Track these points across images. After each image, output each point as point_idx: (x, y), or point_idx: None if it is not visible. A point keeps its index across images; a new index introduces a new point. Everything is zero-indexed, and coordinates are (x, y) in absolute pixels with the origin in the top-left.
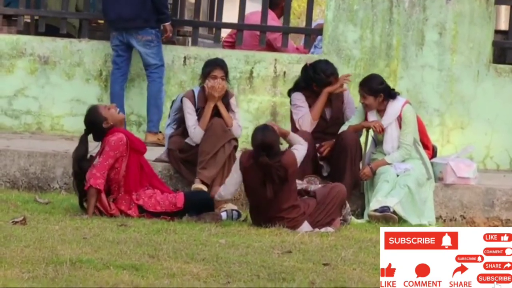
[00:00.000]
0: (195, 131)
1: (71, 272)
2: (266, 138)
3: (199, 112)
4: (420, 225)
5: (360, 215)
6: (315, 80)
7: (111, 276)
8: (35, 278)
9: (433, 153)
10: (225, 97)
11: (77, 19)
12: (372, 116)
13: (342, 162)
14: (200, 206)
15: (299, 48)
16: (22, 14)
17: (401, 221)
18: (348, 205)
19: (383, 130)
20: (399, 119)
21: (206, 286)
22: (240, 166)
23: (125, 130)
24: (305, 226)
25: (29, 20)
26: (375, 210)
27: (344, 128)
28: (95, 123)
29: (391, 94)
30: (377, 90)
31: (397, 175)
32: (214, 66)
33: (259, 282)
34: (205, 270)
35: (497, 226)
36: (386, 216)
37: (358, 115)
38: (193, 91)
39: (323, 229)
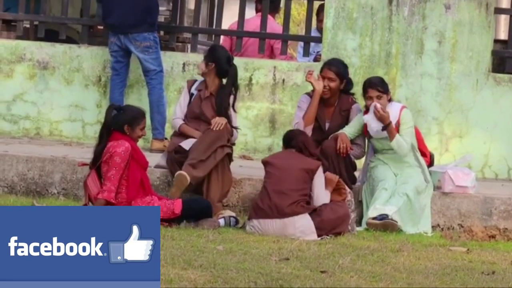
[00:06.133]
0: (174, 122)
1: None
2: None
3: (194, 97)
4: (416, 234)
5: (358, 223)
6: None
7: None
8: None
9: (430, 160)
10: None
11: (79, 24)
12: (374, 122)
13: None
14: (198, 213)
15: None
16: (22, 19)
17: (398, 229)
18: (353, 216)
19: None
20: (397, 124)
21: None
22: None
23: (131, 140)
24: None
25: (28, 25)
26: (374, 218)
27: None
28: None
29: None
30: (388, 88)
31: (396, 183)
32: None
33: None
34: (203, 276)
35: (495, 235)
36: (386, 223)
37: (357, 123)
38: (195, 79)
39: None
